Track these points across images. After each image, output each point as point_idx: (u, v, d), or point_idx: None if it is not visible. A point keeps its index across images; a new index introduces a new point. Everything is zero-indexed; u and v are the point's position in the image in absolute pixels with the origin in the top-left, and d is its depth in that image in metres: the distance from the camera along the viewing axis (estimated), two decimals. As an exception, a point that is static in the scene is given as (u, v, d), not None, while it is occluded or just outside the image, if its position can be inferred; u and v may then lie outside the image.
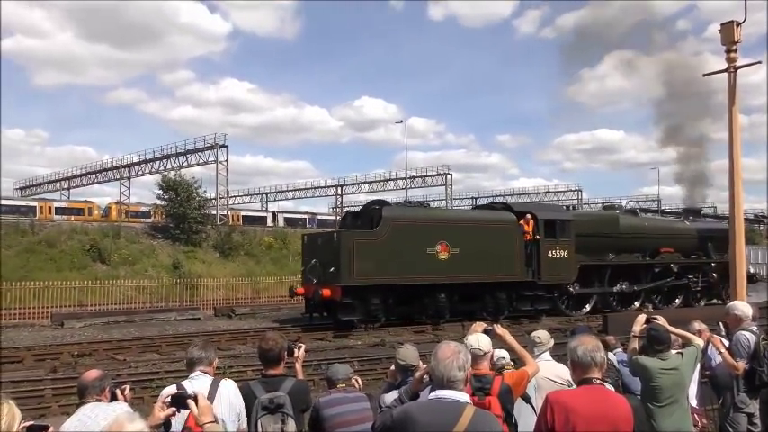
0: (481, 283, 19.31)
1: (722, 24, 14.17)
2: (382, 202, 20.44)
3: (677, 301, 24.53)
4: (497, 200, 65.51)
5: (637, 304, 23.00)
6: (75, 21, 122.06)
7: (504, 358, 4.58)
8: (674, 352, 4.68)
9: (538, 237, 20.33)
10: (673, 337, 5.40)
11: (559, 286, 21.21)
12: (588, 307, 22.29)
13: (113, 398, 3.63)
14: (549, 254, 20.50)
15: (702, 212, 30.65)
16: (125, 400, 3.69)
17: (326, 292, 17.05)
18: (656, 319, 4.90)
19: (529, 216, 20.48)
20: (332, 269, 17.41)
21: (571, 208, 43.88)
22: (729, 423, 5.54)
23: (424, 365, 3.60)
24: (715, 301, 24.62)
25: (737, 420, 5.47)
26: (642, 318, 5.02)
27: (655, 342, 4.58)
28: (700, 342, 4.94)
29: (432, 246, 18.35)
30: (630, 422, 3.16)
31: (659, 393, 4.45)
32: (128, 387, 3.82)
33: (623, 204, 72.14)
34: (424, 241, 18.28)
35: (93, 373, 3.66)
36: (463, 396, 2.90)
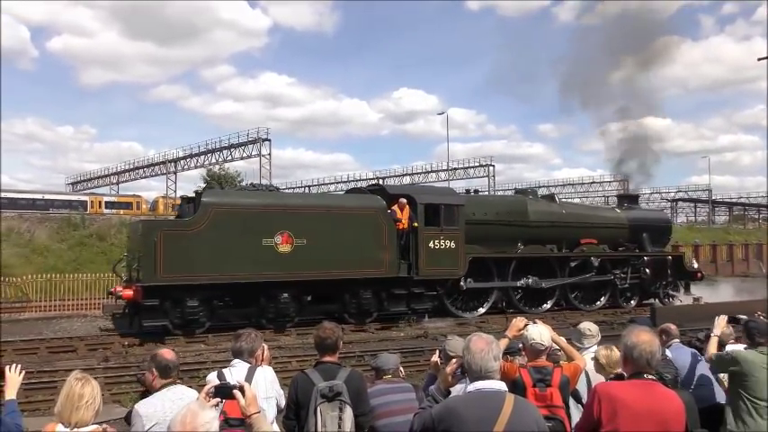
0: (339, 280, 16.27)
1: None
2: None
3: (602, 300, 21.00)
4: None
5: (549, 304, 19.83)
6: (120, 20, 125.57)
7: (560, 351, 4.52)
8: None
9: (416, 224, 17.13)
10: (728, 332, 5.29)
11: (445, 283, 18.00)
12: (485, 308, 18.83)
13: None
14: (431, 244, 17.19)
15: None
16: None
17: (127, 293, 14.39)
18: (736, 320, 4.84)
19: (403, 200, 17.20)
20: (135, 265, 14.93)
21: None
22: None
23: (454, 361, 3.56)
24: (652, 300, 21.69)
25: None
26: (723, 320, 5.00)
27: (757, 333, 4.47)
28: None
29: (269, 236, 15.35)
30: (682, 418, 3.03)
31: (762, 388, 4.30)
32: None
33: (672, 194, 69.83)
34: (259, 231, 15.26)
35: (171, 353, 3.71)
36: (502, 385, 2.93)
